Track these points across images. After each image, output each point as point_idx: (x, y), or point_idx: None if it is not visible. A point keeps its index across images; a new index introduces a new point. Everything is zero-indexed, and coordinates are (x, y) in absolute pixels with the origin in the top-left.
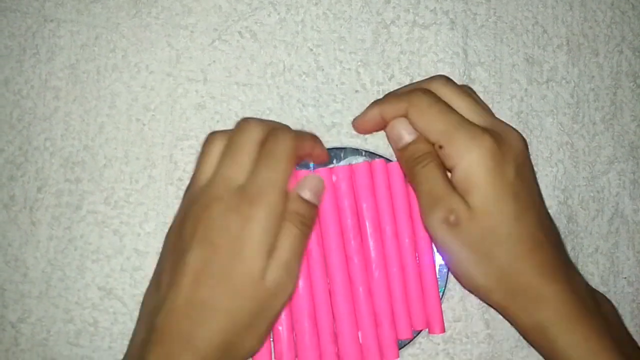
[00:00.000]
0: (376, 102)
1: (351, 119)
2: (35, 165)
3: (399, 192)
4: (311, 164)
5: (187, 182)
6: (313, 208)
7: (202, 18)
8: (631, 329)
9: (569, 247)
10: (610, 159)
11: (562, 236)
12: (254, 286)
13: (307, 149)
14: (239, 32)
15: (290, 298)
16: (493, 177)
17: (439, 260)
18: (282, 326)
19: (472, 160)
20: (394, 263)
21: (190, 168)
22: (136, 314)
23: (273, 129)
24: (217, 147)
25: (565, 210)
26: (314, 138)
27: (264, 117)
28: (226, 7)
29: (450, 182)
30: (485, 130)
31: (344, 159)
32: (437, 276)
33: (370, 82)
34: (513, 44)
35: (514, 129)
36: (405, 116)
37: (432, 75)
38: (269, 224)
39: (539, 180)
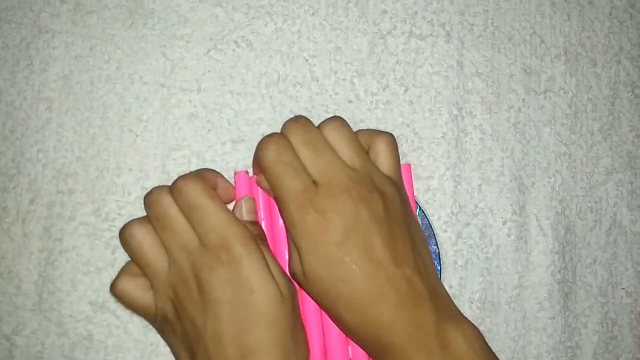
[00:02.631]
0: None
1: None
2: (28, 177)
3: None
4: None
5: None
6: (256, 223)
7: (199, 28)
8: (630, 340)
9: (567, 259)
10: (608, 170)
11: (560, 247)
12: (279, 307)
13: (212, 181)
14: (235, 42)
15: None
16: (315, 249)
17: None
18: None
19: (297, 235)
20: None
21: None
22: (130, 327)
23: (175, 188)
24: (143, 234)
25: (563, 221)
26: (213, 172)
27: (255, 127)
28: (223, 17)
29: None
30: (311, 201)
31: None
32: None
33: (364, 93)
34: (511, 55)
35: (353, 174)
36: None
37: (428, 84)
38: (252, 250)
39: (537, 193)
